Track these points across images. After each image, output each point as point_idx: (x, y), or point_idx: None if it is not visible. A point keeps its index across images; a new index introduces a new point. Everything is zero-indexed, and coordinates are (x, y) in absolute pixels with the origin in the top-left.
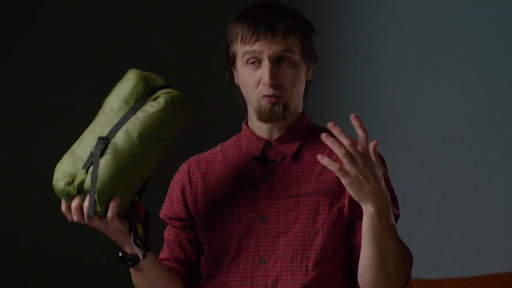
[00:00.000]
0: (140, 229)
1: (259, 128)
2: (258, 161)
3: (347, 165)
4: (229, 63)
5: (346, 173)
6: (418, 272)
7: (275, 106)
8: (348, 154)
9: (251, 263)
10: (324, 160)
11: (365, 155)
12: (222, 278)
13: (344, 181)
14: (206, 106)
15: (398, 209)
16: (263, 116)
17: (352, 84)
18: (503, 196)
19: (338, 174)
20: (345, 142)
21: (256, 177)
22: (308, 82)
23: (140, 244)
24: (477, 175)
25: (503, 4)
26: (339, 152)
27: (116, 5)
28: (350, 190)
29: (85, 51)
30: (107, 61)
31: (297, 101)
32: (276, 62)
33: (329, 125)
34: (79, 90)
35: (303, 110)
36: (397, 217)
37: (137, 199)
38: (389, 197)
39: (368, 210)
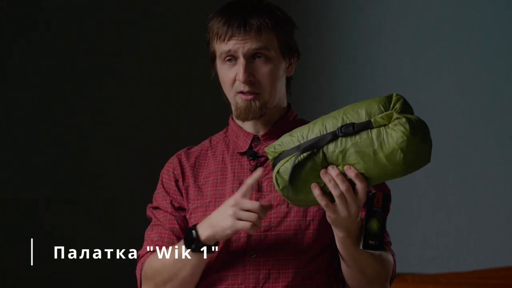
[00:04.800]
0: (375, 225)
1: (244, 124)
2: (246, 156)
3: (339, 205)
4: (211, 61)
5: (334, 210)
6: (414, 267)
7: (252, 103)
8: (342, 196)
9: (242, 257)
10: (315, 192)
11: (360, 200)
12: (214, 273)
13: (328, 213)
14: (193, 101)
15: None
16: (240, 115)
17: (348, 80)
18: (499, 192)
19: (325, 208)
20: (342, 186)
21: (245, 172)
22: (289, 78)
23: (373, 243)
24: (474, 171)
25: (501, 1)
26: (334, 191)
27: (113, 5)
28: (328, 218)
29: (85, 51)
30: (104, 61)
31: (277, 98)
32: (252, 58)
33: (329, 167)
34: (78, 89)
35: (289, 105)
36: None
37: (373, 192)
38: (359, 219)
39: (338, 234)
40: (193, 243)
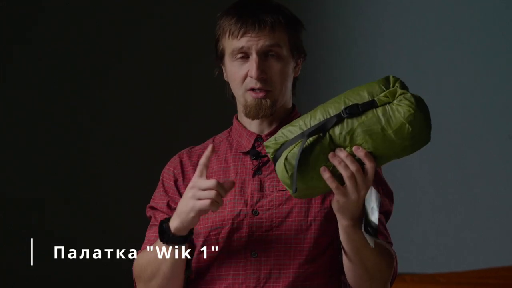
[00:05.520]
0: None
1: (249, 123)
2: (249, 155)
3: (349, 187)
4: (218, 59)
5: (344, 193)
6: (414, 266)
7: (263, 101)
8: (353, 177)
9: (244, 257)
10: (325, 175)
11: (369, 181)
12: (214, 272)
13: (338, 197)
14: (193, 101)
15: (391, 204)
16: (250, 113)
17: (348, 79)
18: (499, 192)
19: (335, 192)
20: (352, 167)
21: (248, 171)
22: (296, 79)
23: (370, 230)
24: (473, 171)
25: (501, 1)
26: (344, 172)
27: (113, 5)
28: (335, 203)
29: (85, 51)
30: (104, 61)
31: (286, 97)
32: (264, 56)
33: (336, 150)
34: (78, 89)
35: (294, 105)
36: (389, 213)
37: None
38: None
39: (342, 222)
40: (165, 236)
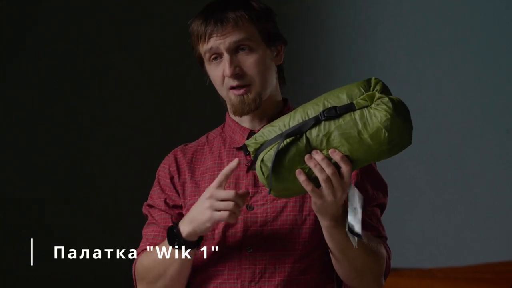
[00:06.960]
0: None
1: (241, 119)
2: (242, 151)
3: (325, 190)
4: (201, 66)
5: (320, 195)
6: (413, 265)
7: (244, 97)
8: (328, 180)
9: (239, 252)
10: (300, 177)
11: (345, 184)
12: (210, 268)
13: (314, 199)
14: (193, 101)
15: (385, 196)
16: (237, 111)
17: (347, 79)
18: (498, 191)
19: (311, 194)
20: (328, 170)
21: (242, 167)
22: (280, 67)
23: (354, 232)
24: (472, 170)
25: (501, 1)
26: (320, 175)
27: (113, 5)
28: (313, 205)
29: (85, 51)
30: (104, 61)
31: (270, 88)
32: (235, 52)
33: (313, 152)
34: (78, 89)
35: (286, 100)
36: (383, 205)
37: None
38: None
39: (324, 223)
40: (175, 241)
